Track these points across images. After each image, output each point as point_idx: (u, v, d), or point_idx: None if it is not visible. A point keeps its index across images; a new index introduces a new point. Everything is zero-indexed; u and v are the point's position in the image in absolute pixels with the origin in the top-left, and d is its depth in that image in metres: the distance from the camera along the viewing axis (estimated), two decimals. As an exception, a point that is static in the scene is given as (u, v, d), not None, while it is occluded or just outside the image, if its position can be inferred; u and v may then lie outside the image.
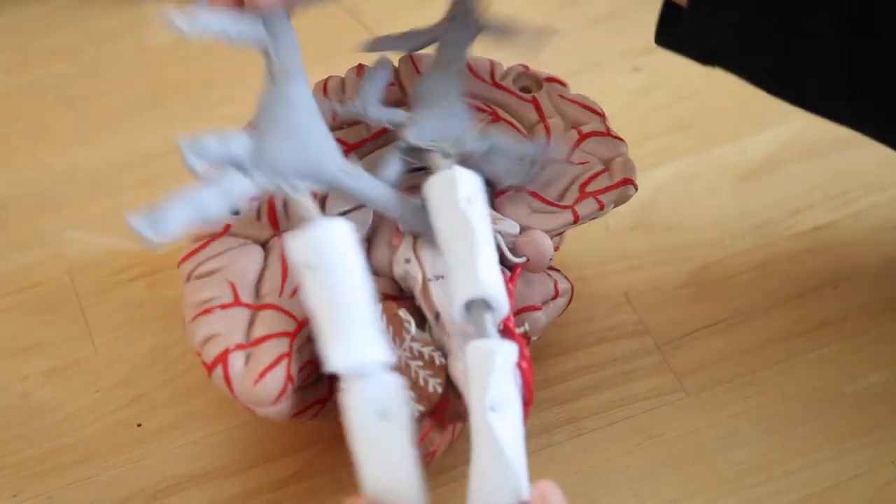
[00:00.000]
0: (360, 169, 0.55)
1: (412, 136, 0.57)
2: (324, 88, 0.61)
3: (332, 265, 0.51)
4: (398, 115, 0.58)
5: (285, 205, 0.58)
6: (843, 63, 0.53)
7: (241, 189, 0.53)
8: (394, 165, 0.57)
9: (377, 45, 0.61)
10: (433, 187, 0.54)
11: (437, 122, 0.58)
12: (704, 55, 0.58)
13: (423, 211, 0.55)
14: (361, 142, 0.60)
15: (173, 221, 0.50)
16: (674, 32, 0.57)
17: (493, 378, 0.49)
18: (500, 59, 0.64)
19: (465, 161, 0.56)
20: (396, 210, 0.56)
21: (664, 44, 0.58)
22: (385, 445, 0.48)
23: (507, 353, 0.50)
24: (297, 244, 0.51)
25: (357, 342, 0.50)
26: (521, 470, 0.48)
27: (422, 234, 0.56)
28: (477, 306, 0.51)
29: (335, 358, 0.49)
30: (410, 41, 0.61)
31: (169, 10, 0.52)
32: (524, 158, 0.58)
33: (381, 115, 0.58)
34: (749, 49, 0.55)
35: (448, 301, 0.53)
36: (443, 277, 0.54)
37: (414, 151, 0.58)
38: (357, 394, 0.49)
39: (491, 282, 0.51)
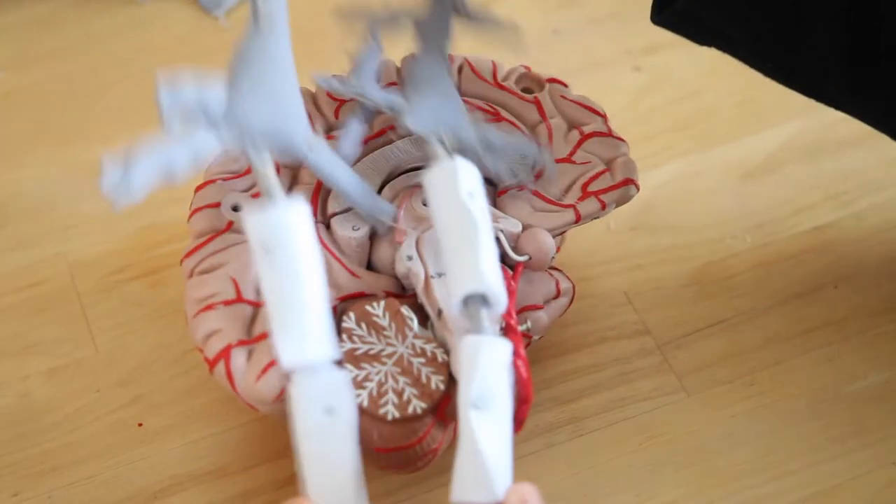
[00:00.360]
0: (325, 144, 0.55)
1: (411, 122, 0.57)
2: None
3: (287, 250, 0.50)
4: (396, 97, 0.58)
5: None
6: (840, 39, 0.53)
7: (208, 146, 0.52)
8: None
9: (357, 17, 0.61)
10: (434, 179, 0.53)
11: (432, 109, 0.57)
12: (699, 33, 0.58)
13: (379, 201, 0.56)
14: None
15: (141, 181, 0.50)
16: (670, 10, 0.57)
17: (477, 374, 0.49)
18: (502, 59, 0.64)
19: (466, 156, 0.56)
20: (354, 194, 0.56)
21: (660, 22, 0.58)
22: (330, 442, 0.48)
23: (495, 350, 0.49)
24: (254, 222, 0.50)
25: (306, 338, 0.49)
26: (497, 469, 0.48)
27: (376, 225, 0.56)
28: (475, 301, 0.51)
29: (284, 354, 0.49)
30: (390, 19, 0.61)
31: None
32: (526, 158, 0.58)
33: (379, 95, 0.58)
34: (744, 27, 0.55)
35: (449, 299, 0.53)
36: (444, 275, 0.54)
37: (413, 142, 0.58)
38: (304, 389, 0.49)
39: (490, 277, 0.51)
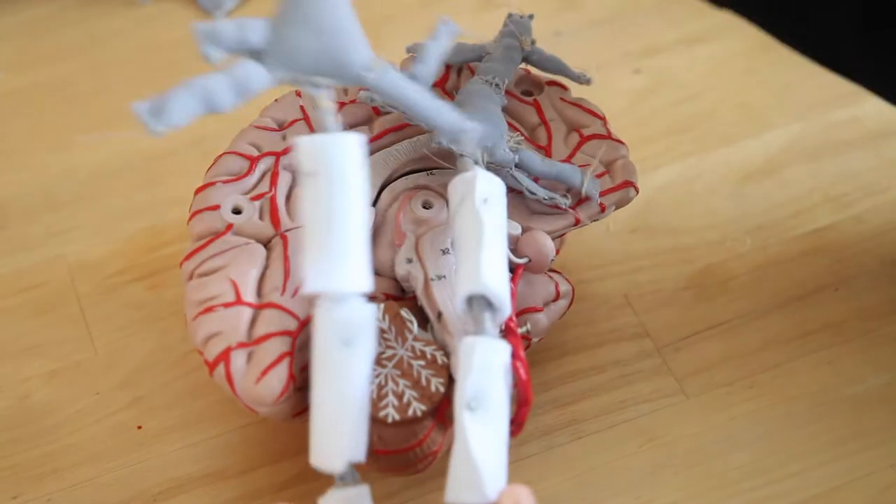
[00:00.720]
0: (390, 67, 0.53)
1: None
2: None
3: (333, 177, 0.49)
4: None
5: (288, 199, 0.58)
6: (854, 3, 0.53)
7: (257, 79, 0.51)
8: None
9: (455, 53, 0.61)
10: (454, 187, 0.54)
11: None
12: None
13: (461, 119, 0.54)
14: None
15: (179, 109, 0.49)
16: None
17: (471, 375, 0.49)
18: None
19: (498, 172, 0.55)
20: (430, 113, 0.54)
21: None
22: (342, 375, 0.48)
23: (491, 351, 0.49)
24: (303, 145, 0.50)
25: (336, 264, 0.49)
26: (489, 471, 0.48)
27: (456, 146, 0.54)
28: (479, 303, 0.51)
29: (310, 277, 0.48)
30: (459, 54, 0.62)
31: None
32: (571, 188, 0.58)
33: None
34: None
35: (451, 299, 0.53)
36: (445, 277, 0.54)
37: (413, 145, 0.58)
38: (326, 316, 0.49)
39: (495, 280, 0.51)
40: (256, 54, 0.51)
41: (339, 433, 0.48)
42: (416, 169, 0.59)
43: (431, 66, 0.55)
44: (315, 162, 0.49)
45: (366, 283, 0.50)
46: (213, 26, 0.50)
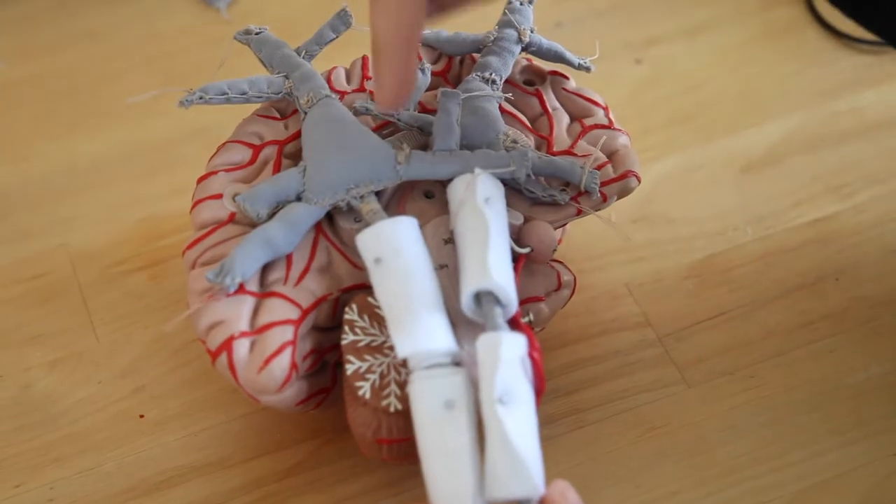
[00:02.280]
0: (414, 153, 0.56)
1: (440, 145, 0.57)
2: (328, 79, 0.61)
3: (399, 257, 0.52)
4: (429, 122, 0.58)
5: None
6: None
7: (306, 216, 0.55)
8: (447, 133, 0.57)
9: (423, 39, 0.62)
10: (455, 188, 0.55)
11: (466, 129, 0.58)
12: None
13: (498, 157, 0.56)
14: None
15: (248, 264, 0.53)
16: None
17: (500, 370, 0.49)
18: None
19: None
20: (468, 169, 0.56)
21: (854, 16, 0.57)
22: (450, 436, 0.49)
23: (513, 345, 0.50)
24: (365, 240, 0.53)
25: (426, 330, 0.50)
26: (533, 462, 0.48)
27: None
28: (487, 299, 0.51)
29: (402, 345, 0.50)
30: (457, 44, 0.62)
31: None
32: (569, 183, 0.58)
33: (412, 121, 0.58)
34: None
35: (453, 289, 0.54)
36: (447, 266, 0.54)
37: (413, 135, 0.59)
38: (425, 384, 0.50)
39: (499, 275, 0.52)
40: (296, 196, 0.55)
41: (461, 494, 0.48)
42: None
43: (448, 137, 0.57)
44: (378, 251, 0.53)
45: (451, 341, 0.51)
46: (253, 191, 0.55)
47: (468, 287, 0.52)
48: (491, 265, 0.51)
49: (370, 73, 0.61)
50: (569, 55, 0.62)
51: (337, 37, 0.61)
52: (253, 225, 0.56)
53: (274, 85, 0.59)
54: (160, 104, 0.71)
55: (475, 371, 0.50)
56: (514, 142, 0.58)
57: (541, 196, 0.57)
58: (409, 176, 0.56)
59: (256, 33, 0.61)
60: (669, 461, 0.59)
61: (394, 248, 0.52)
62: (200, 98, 0.58)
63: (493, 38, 0.61)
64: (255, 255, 0.53)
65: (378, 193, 0.57)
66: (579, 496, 0.48)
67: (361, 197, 0.55)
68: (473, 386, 0.50)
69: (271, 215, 0.55)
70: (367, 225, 0.54)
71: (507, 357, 0.49)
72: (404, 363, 0.52)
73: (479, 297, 0.52)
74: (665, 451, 0.59)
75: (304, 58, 0.60)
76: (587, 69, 0.62)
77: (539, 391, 0.51)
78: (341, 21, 0.61)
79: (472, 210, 0.53)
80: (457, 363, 0.51)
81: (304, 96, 0.58)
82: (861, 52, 0.75)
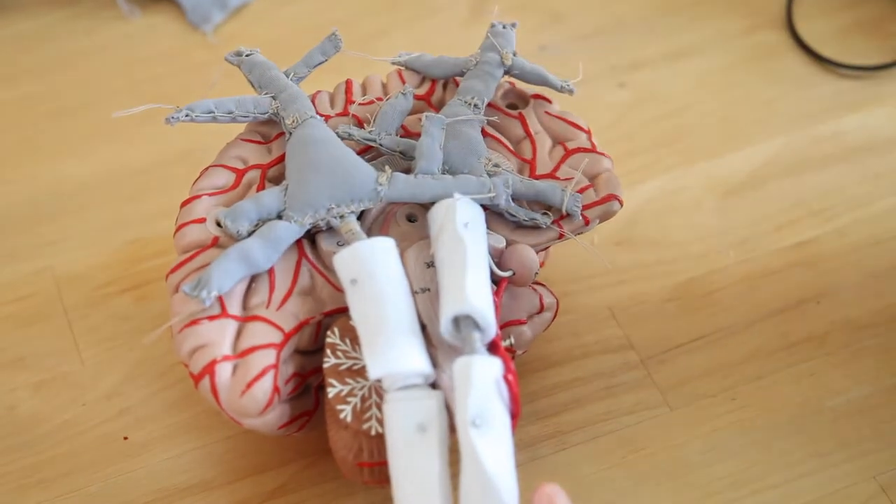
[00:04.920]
0: (395, 174, 0.57)
1: (424, 167, 0.57)
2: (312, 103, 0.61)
3: (376, 278, 0.52)
4: (411, 146, 0.58)
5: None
6: None
7: (286, 233, 0.55)
8: (430, 155, 0.58)
9: (407, 63, 0.63)
10: (435, 213, 0.55)
11: (448, 153, 0.58)
12: None
13: (477, 183, 0.57)
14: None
15: (226, 279, 0.53)
16: None
17: (472, 393, 0.49)
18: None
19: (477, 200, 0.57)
20: (448, 192, 0.56)
21: None
22: (421, 458, 0.49)
23: (486, 368, 0.50)
24: (342, 260, 0.53)
25: (398, 351, 0.51)
26: (505, 485, 0.48)
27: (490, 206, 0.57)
28: (466, 324, 0.52)
29: (374, 366, 0.50)
30: (441, 68, 0.62)
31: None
32: (551, 207, 0.59)
33: (394, 145, 0.59)
34: None
35: (434, 312, 0.54)
36: (429, 290, 0.55)
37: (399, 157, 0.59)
38: (398, 406, 0.50)
39: (477, 300, 0.52)
40: (277, 214, 0.56)
41: None
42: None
43: (431, 161, 0.57)
44: (354, 272, 0.53)
45: (424, 363, 0.51)
46: (234, 208, 0.55)
47: (447, 311, 0.52)
48: (468, 290, 0.52)
49: (353, 98, 0.62)
50: (552, 78, 0.62)
51: (326, 60, 0.62)
52: None
53: (261, 105, 0.59)
54: (146, 127, 0.71)
55: (453, 396, 0.51)
56: (496, 166, 0.58)
57: (523, 220, 0.58)
58: (389, 198, 0.57)
59: (247, 55, 0.61)
60: (652, 483, 0.59)
61: (369, 270, 0.53)
62: (187, 115, 0.58)
63: (475, 61, 0.62)
64: (232, 270, 0.54)
65: (361, 216, 0.57)
66: (569, 499, 0.49)
67: (341, 217, 0.56)
68: (450, 410, 0.51)
69: (252, 233, 0.56)
70: (347, 245, 0.54)
71: (480, 380, 0.50)
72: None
73: (457, 322, 0.52)
74: (647, 474, 0.59)
75: (291, 80, 0.60)
76: (570, 91, 0.62)
77: (514, 415, 0.51)
78: (332, 44, 0.62)
79: (452, 235, 0.54)
80: (433, 385, 0.51)
81: (289, 117, 0.58)
82: (843, 77, 0.76)
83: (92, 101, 0.76)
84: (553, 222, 0.58)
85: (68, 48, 0.78)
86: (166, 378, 0.63)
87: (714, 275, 0.66)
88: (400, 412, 0.50)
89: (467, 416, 0.49)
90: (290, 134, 0.58)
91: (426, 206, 0.58)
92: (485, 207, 0.57)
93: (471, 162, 0.58)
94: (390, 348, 0.51)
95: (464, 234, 0.53)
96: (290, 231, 0.55)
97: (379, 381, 0.52)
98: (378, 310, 0.52)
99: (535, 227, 0.58)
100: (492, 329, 0.52)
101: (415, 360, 0.51)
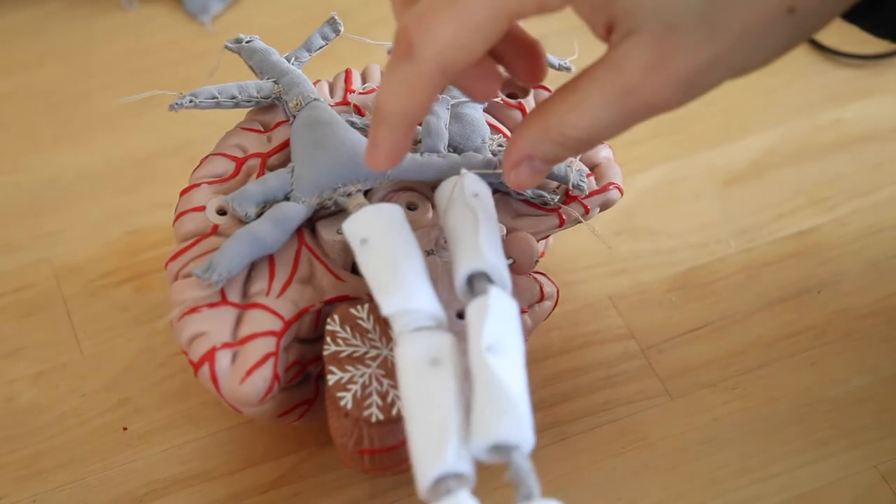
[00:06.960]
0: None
1: (429, 144, 0.58)
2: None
3: (386, 235, 0.52)
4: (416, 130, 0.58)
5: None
6: None
7: (294, 214, 0.55)
8: (435, 133, 0.58)
9: None
10: (443, 189, 0.54)
11: (453, 138, 0.58)
12: None
13: (483, 160, 0.57)
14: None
15: (236, 261, 0.53)
16: (873, 16, 0.55)
17: (488, 321, 0.48)
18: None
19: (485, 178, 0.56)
20: (454, 170, 0.56)
21: (861, 24, 0.56)
22: (435, 390, 0.47)
23: (505, 301, 0.49)
24: (352, 222, 0.52)
25: (412, 289, 0.50)
26: (523, 406, 0.46)
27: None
28: (480, 280, 0.50)
29: (386, 303, 0.50)
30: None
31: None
32: (558, 184, 0.59)
33: None
34: None
35: (447, 279, 0.54)
36: (433, 252, 0.55)
37: None
38: (410, 341, 0.49)
39: (492, 256, 0.51)
40: (284, 195, 0.56)
41: (442, 449, 0.46)
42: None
43: (437, 139, 0.58)
44: (363, 232, 0.52)
45: (437, 306, 0.50)
46: (242, 191, 0.56)
47: (461, 270, 0.50)
48: (482, 247, 0.51)
49: (353, 87, 0.62)
50: (549, 57, 0.62)
51: (326, 44, 0.62)
52: None
53: (263, 89, 0.59)
54: (144, 118, 0.71)
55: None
56: (501, 146, 0.58)
57: (530, 197, 0.58)
58: (396, 176, 0.57)
59: (247, 42, 0.61)
60: (652, 473, 0.59)
61: (380, 228, 0.52)
62: (191, 102, 0.58)
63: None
64: (242, 252, 0.53)
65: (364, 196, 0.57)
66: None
67: (349, 195, 0.56)
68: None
69: (259, 215, 0.55)
70: None
71: (497, 308, 0.48)
72: (387, 372, 0.52)
73: (471, 283, 0.51)
74: (647, 463, 0.59)
75: (293, 64, 0.60)
76: (567, 69, 0.62)
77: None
78: (331, 28, 0.62)
79: (461, 205, 0.53)
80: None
81: (292, 100, 0.58)
82: (844, 66, 0.75)
83: (90, 92, 0.76)
84: (563, 203, 0.58)
85: (66, 39, 0.78)
86: (165, 369, 0.63)
87: (714, 264, 0.66)
88: (413, 347, 0.49)
89: (483, 343, 0.47)
90: (294, 117, 0.58)
91: (427, 195, 0.57)
92: (496, 191, 0.57)
93: (475, 142, 0.58)
94: (404, 286, 0.50)
95: (473, 203, 0.53)
96: (297, 211, 0.55)
97: (388, 323, 0.51)
98: (390, 258, 0.51)
99: (537, 215, 0.58)
100: (506, 284, 0.51)
101: (427, 300, 0.50)
